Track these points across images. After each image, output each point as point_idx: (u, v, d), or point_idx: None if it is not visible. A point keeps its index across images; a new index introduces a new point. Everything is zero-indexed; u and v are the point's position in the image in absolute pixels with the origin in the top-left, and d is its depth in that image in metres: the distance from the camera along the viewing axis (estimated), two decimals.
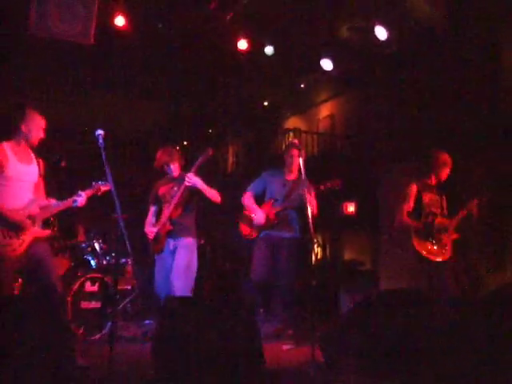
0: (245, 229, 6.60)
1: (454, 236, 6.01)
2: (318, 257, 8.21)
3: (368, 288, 7.71)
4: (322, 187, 6.22)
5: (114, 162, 4.87)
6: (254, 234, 6.50)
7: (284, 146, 6.59)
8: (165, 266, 5.96)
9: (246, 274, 9.15)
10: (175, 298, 4.30)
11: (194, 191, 5.91)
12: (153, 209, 6.24)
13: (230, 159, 14.64)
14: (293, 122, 13.71)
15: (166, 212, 5.95)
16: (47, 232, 4.94)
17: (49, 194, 5.12)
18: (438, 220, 5.97)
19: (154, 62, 10.41)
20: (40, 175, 4.96)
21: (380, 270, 9.29)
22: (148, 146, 11.30)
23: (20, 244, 4.64)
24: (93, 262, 7.01)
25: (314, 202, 6.15)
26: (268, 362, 4.27)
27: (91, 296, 6.53)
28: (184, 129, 11.77)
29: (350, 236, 10.57)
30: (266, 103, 13.76)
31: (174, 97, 12.12)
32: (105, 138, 4.74)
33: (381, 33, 8.45)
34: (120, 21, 8.03)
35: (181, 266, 5.84)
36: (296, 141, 6.58)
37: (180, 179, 5.95)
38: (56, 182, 5.96)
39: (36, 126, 4.84)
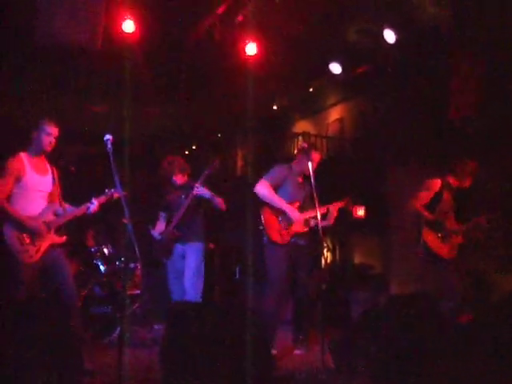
0: (274, 233, 5.82)
1: (461, 240, 6.14)
2: (328, 261, 8.16)
3: (378, 292, 7.66)
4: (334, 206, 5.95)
5: (122, 166, 4.89)
6: (287, 238, 5.82)
7: (299, 148, 6.39)
8: (176, 270, 6.14)
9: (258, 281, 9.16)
10: (184, 303, 4.29)
11: (199, 199, 5.97)
12: (162, 215, 6.36)
13: (239, 163, 14.62)
14: (302, 126, 13.68)
15: (175, 219, 6.07)
16: (63, 238, 5.05)
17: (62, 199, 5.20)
18: (450, 222, 6.11)
19: (162, 67, 10.41)
20: (54, 184, 5.08)
21: (390, 274, 9.26)
22: (156, 151, 11.31)
23: (36, 250, 4.77)
24: (102, 267, 7.01)
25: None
26: (278, 367, 4.26)
27: (100, 301, 6.53)
28: (193, 133, 11.76)
29: (360, 240, 10.52)
30: (275, 107, 13.74)
31: (183, 101, 12.12)
32: (113, 143, 4.75)
33: (389, 36, 8.42)
34: (128, 26, 8.02)
35: (191, 270, 5.99)
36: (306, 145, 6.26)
37: (187, 187, 6.06)
38: (65, 187, 6.00)
39: (44, 133, 4.93)
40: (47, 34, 6.01)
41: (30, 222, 4.74)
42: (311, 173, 5.61)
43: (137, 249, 4.42)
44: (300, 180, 6.05)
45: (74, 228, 7.17)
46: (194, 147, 12.30)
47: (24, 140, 4.99)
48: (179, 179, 6.25)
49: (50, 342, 3.48)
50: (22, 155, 4.89)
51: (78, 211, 5.07)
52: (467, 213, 6.36)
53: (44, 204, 4.96)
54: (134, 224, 4.85)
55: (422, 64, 9.25)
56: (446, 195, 6.14)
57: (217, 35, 8.71)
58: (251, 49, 8.87)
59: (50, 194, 5.04)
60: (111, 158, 4.63)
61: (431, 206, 6.08)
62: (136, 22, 8.00)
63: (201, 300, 5.98)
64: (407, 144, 9.92)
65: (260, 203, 5.89)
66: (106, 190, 5.20)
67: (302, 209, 5.88)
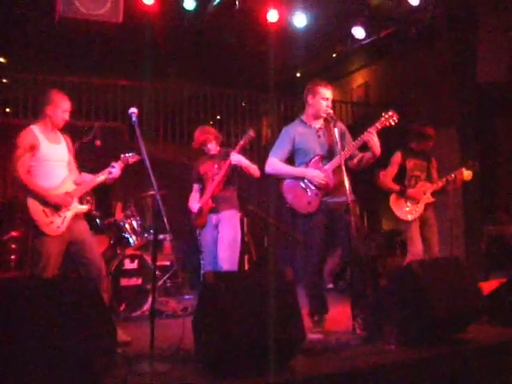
0: (300, 205, 5.37)
1: (431, 200, 6.61)
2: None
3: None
4: (378, 126, 5.31)
5: (148, 139, 4.90)
6: (316, 204, 5.31)
7: (307, 88, 5.52)
8: (210, 240, 6.08)
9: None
10: (215, 273, 4.31)
11: (234, 167, 5.95)
12: (195, 186, 6.35)
13: (265, 131, 14.59)
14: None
15: (209, 189, 6.05)
16: (85, 208, 5.09)
17: (84, 170, 5.24)
18: (421, 183, 6.62)
19: (183, 38, 10.37)
20: (69, 153, 5.08)
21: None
22: (182, 124, 11.31)
23: (62, 221, 4.79)
24: (131, 240, 7.06)
25: (376, 139, 5.25)
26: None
27: (131, 273, 6.60)
28: (217, 103, 11.73)
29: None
30: (298, 74, 13.64)
31: (205, 72, 12.09)
32: (138, 116, 4.75)
33: None
34: None
35: (225, 239, 5.93)
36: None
37: (220, 156, 6.04)
38: (91, 160, 6.03)
39: (59, 109, 4.92)
40: (69, 9, 6.01)
41: (51, 195, 4.75)
42: (322, 113, 5.35)
43: (166, 220, 4.43)
44: (317, 129, 5.49)
45: (103, 201, 7.25)
46: (218, 117, 12.27)
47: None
48: (212, 149, 6.20)
49: (82, 314, 3.52)
50: (33, 127, 4.87)
51: (100, 177, 5.06)
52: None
53: (65, 174, 4.95)
54: (164, 196, 4.87)
55: (447, 26, 9.10)
56: (410, 162, 6.61)
57: (238, 3, 8.63)
58: (273, 16, 8.79)
59: (68, 164, 5.04)
60: (137, 131, 4.62)
61: (401, 177, 6.61)
62: None
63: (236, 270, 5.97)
64: (432, 110, 9.82)
65: (278, 180, 5.62)
66: (122, 156, 5.21)
67: (329, 158, 5.36)
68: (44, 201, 4.72)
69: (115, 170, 5.06)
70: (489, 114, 9.24)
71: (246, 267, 8.17)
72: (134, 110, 4.77)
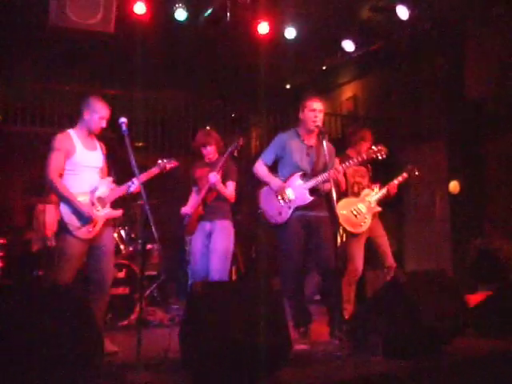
0: (270, 214, 5.52)
1: (377, 209, 6.37)
2: (344, 239, 8.14)
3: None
4: (364, 156, 5.53)
5: (137, 149, 4.92)
6: (285, 216, 5.40)
7: (300, 103, 5.60)
8: (199, 247, 6.01)
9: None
10: (203, 283, 4.32)
11: (225, 176, 5.94)
12: (194, 189, 6.29)
13: (253, 143, 14.60)
14: None
15: (199, 196, 6.00)
16: (119, 212, 5.14)
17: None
18: (365, 192, 6.35)
19: (173, 49, 10.40)
20: (103, 159, 5.12)
21: (405, 251, 9.28)
22: (171, 134, 11.32)
23: (94, 225, 4.82)
24: (119, 249, 7.05)
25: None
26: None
27: (118, 282, 6.59)
28: (206, 113, 11.76)
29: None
30: (288, 86, 13.69)
31: (195, 82, 12.11)
32: (128, 126, 4.77)
33: (402, 12, 8.36)
34: (139, 8, 8.02)
35: (219, 249, 5.88)
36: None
37: (215, 165, 5.96)
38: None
39: (97, 115, 4.94)
40: (61, 18, 6.01)
41: (79, 203, 4.76)
42: (315, 127, 5.38)
43: (154, 230, 4.43)
44: (308, 143, 5.55)
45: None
46: (207, 127, 12.28)
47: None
48: (211, 153, 6.11)
49: (68, 323, 3.52)
50: (71, 132, 4.92)
51: (121, 190, 5.07)
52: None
53: (97, 179, 4.98)
54: (152, 205, 4.88)
55: (436, 41, 9.18)
56: (349, 169, 6.04)
57: (228, 15, 8.66)
58: (263, 28, 8.84)
59: (102, 170, 5.09)
60: (127, 141, 4.64)
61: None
62: (147, 3, 8.00)
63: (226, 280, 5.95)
64: (420, 123, 9.89)
65: (258, 185, 5.73)
66: (159, 161, 5.27)
67: (314, 175, 5.40)
68: (74, 205, 4.74)
69: (134, 186, 5.01)
70: (477, 128, 9.31)
71: (234, 278, 8.17)
72: (123, 120, 4.80)
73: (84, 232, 4.77)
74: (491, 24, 8.46)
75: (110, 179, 5.13)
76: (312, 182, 5.37)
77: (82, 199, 4.82)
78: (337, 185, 5.46)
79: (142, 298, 4.81)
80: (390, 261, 6.39)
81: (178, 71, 11.69)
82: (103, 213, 4.92)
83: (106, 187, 5.02)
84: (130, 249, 7.12)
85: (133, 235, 7.29)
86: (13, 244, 7.38)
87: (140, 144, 10.81)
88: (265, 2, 8.70)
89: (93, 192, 4.91)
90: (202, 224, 6.02)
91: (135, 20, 8.09)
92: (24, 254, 7.31)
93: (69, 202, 4.75)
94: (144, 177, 5.07)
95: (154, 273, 8.03)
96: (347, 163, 5.41)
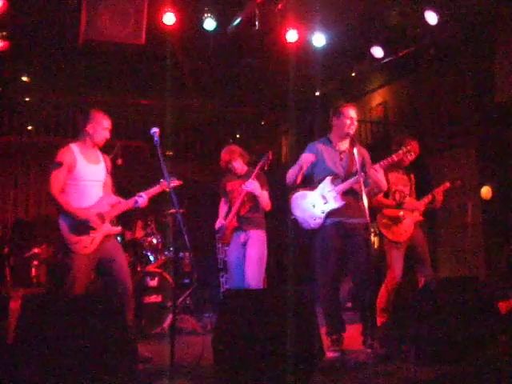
0: (305, 219, 5.46)
1: (419, 218, 6.33)
2: (375, 246, 8.11)
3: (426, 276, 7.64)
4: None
5: (169, 158, 4.97)
6: (320, 221, 5.37)
7: (332, 110, 5.61)
8: (235, 258, 6.11)
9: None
10: (235, 291, 4.35)
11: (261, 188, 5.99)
12: (223, 202, 6.36)
13: (284, 150, 14.65)
14: None
15: (234, 208, 6.08)
16: (118, 229, 5.10)
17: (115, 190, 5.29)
18: (408, 200, 6.26)
19: (203, 59, 10.48)
20: (107, 173, 5.12)
21: (437, 257, 9.21)
22: (202, 143, 11.41)
23: (91, 241, 4.80)
24: (151, 257, 7.12)
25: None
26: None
27: (151, 290, 6.65)
28: (236, 122, 11.84)
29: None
30: (317, 93, 13.71)
31: (225, 91, 12.19)
32: (160, 136, 4.84)
33: (431, 18, 8.32)
34: (169, 18, 8.10)
35: (254, 257, 5.95)
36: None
37: (247, 176, 6.03)
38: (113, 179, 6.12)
39: (100, 127, 4.97)
40: (93, 31, 6.10)
41: (80, 214, 4.76)
42: (348, 133, 5.40)
43: (186, 238, 4.47)
44: (340, 148, 5.54)
45: (124, 219, 7.33)
46: (237, 136, 12.36)
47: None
48: (239, 168, 6.22)
49: (103, 332, 3.58)
50: (72, 146, 4.91)
51: (127, 204, 5.06)
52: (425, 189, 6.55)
53: (100, 194, 4.97)
54: (184, 214, 4.92)
55: (465, 45, 9.13)
56: (392, 175, 6.23)
57: (257, 24, 8.71)
58: (292, 36, 8.86)
59: (104, 184, 5.07)
60: (159, 151, 4.70)
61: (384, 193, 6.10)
62: (176, 14, 8.09)
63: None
64: (451, 129, 9.83)
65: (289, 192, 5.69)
66: (161, 180, 5.15)
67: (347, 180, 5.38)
68: (74, 219, 4.75)
69: (142, 199, 5.05)
70: (508, 133, 9.22)
71: (265, 286, 8.19)
72: (155, 130, 4.85)
73: (80, 248, 4.75)
74: None
75: (112, 195, 5.10)
76: (342, 186, 5.35)
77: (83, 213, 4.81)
78: (377, 185, 5.41)
79: (175, 306, 4.84)
80: (429, 271, 6.30)
81: (207, 81, 11.79)
82: (102, 229, 4.88)
83: (107, 203, 4.98)
84: (162, 257, 7.19)
85: (165, 243, 7.34)
86: (47, 253, 7.50)
87: (169, 153, 10.89)
88: (293, 10, 8.72)
89: (93, 207, 4.88)
90: (236, 234, 6.11)
91: (165, 30, 8.17)
92: (58, 263, 7.41)
93: (69, 215, 4.74)
94: (147, 194, 5.10)
95: (187, 281, 8.09)
96: (381, 162, 5.39)
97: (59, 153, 4.85)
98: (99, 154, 5.09)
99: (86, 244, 4.78)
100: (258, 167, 5.96)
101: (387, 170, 5.72)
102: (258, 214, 6.10)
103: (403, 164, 6.33)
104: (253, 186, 5.88)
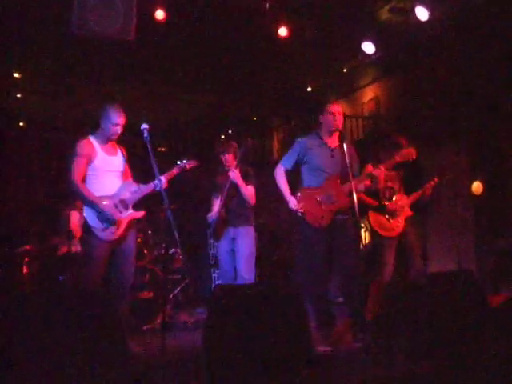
0: (313, 218, 5.40)
1: (409, 213, 6.33)
2: (366, 241, 8.12)
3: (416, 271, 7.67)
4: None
5: (159, 154, 4.98)
6: (328, 220, 5.39)
7: (320, 107, 5.68)
8: (225, 251, 6.19)
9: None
10: (224, 286, 4.36)
11: (244, 181, 6.06)
12: (215, 196, 6.40)
13: (276, 146, 14.66)
14: None
15: (220, 201, 6.15)
16: (142, 213, 5.24)
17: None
18: (398, 196, 6.31)
19: (194, 54, 10.46)
20: (125, 163, 5.23)
21: (428, 253, 9.23)
22: (194, 139, 11.40)
23: (118, 227, 4.95)
24: (143, 253, 7.12)
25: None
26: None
27: (142, 286, 6.66)
28: (228, 118, 11.83)
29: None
30: (309, 89, 13.72)
31: (217, 87, 12.18)
32: (150, 132, 4.84)
33: (422, 13, 8.33)
34: (160, 14, 8.09)
35: (245, 251, 6.08)
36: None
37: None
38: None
39: (110, 123, 5.04)
40: (82, 26, 6.08)
41: (103, 204, 4.89)
42: (336, 129, 5.46)
43: (177, 234, 4.49)
44: (331, 145, 5.57)
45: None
46: (229, 131, 12.35)
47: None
48: (229, 161, 6.24)
49: (94, 326, 3.58)
50: (91, 138, 5.05)
51: (147, 189, 5.15)
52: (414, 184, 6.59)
53: (119, 183, 5.10)
54: (175, 210, 4.94)
55: (455, 41, 9.14)
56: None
57: (248, 19, 8.71)
58: (283, 32, 8.86)
59: (124, 173, 5.20)
60: (149, 147, 4.71)
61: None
62: (167, 9, 8.07)
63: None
64: (441, 124, 9.85)
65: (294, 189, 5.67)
66: (179, 162, 5.36)
67: (341, 177, 5.43)
68: (95, 207, 4.87)
69: (161, 182, 5.08)
70: (498, 128, 9.25)
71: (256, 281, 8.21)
72: (145, 126, 4.88)
73: (108, 234, 4.89)
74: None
75: (132, 182, 5.22)
76: (350, 185, 5.28)
77: (105, 202, 4.93)
78: (375, 182, 5.55)
79: (166, 302, 4.84)
80: (419, 265, 6.33)
81: (199, 76, 11.77)
82: (126, 214, 5.03)
83: (127, 190, 5.11)
84: (154, 253, 7.19)
85: (156, 239, 7.34)
86: (38, 250, 7.48)
87: (162, 149, 10.90)
88: (285, 6, 8.72)
89: (115, 195, 5.02)
90: (226, 230, 6.16)
91: (155, 26, 8.15)
92: (49, 260, 7.40)
93: (93, 205, 4.87)
94: (166, 177, 5.18)
95: (178, 276, 8.10)
96: (384, 164, 5.46)
97: (79, 145, 4.98)
98: (115, 144, 5.20)
99: (114, 230, 4.92)
100: (239, 155, 6.11)
101: (375, 166, 5.71)
102: (246, 209, 6.18)
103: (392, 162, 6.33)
104: (234, 174, 5.98)
